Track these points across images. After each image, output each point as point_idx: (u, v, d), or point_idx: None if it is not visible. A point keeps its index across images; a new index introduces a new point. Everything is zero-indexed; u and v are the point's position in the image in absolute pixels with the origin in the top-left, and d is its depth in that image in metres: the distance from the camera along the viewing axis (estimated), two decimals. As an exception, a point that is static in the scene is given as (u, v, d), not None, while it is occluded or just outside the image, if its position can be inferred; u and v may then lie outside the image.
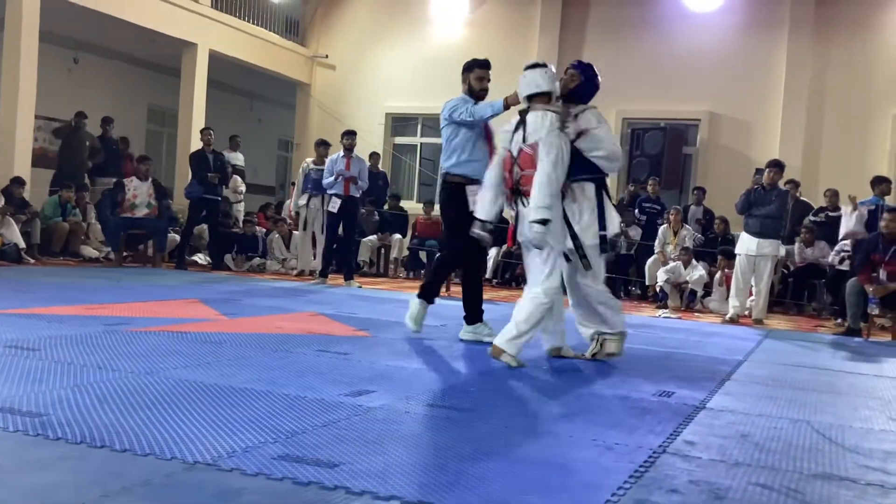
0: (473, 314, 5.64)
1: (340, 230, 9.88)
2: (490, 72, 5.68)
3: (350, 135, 10.06)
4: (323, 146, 10.83)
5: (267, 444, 2.64)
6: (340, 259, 10.41)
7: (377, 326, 5.92)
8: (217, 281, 9.38)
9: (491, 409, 3.48)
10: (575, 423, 3.33)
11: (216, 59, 13.37)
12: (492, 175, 4.89)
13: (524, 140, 4.57)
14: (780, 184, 9.05)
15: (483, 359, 4.88)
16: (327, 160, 10.11)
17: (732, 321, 8.73)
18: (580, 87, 4.95)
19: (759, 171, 10.39)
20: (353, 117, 14.11)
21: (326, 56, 15.36)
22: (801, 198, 11.08)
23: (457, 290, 10.21)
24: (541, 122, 4.54)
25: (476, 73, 5.65)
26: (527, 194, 4.54)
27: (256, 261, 11.66)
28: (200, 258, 11.71)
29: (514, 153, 4.63)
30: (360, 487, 2.28)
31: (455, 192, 5.55)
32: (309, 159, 11.07)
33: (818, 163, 12.32)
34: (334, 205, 9.74)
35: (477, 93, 5.62)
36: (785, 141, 12.36)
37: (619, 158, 5.04)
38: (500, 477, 2.49)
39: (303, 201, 10.81)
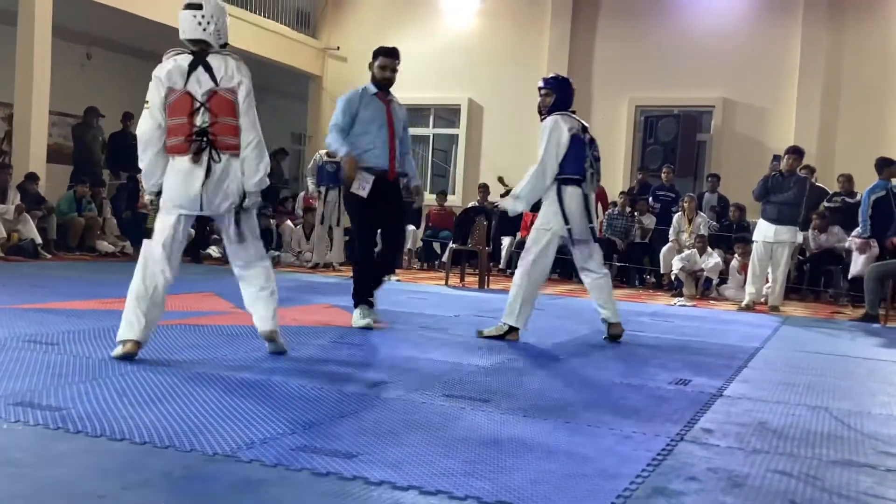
0: (361, 294, 5.50)
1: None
2: (397, 61, 5.45)
3: None
4: None
5: (285, 436, 2.65)
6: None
7: (391, 318, 5.92)
8: (232, 274, 9.38)
9: (506, 398, 3.48)
10: (592, 411, 3.32)
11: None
12: (147, 129, 4.04)
13: (216, 82, 3.98)
14: (798, 170, 8.96)
15: (498, 348, 4.88)
16: None
17: (748, 308, 8.68)
18: (556, 101, 5.34)
19: (776, 158, 10.30)
20: (366, 109, 14.10)
21: (338, 48, 15.34)
22: (817, 183, 10.99)
23: (472, 280, 10.30)
24: (235, 69, 4.07)
25: (380, 61, 5.42)
26: (222, 145, 3.98)
27: (271, 254, 11.69)
28: (215, 251, 11.76)
29: (201, 97, 3.96)
30: (379, 477, 2.29)
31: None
32: (322, 151, 10.99)
33: (834, 148, 12.22)
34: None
35: (379, 81, 5.42)
36: (800, 126, 12.25)
37: (545, 173, 5.20)
38: (517, 466, 2.50)
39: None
